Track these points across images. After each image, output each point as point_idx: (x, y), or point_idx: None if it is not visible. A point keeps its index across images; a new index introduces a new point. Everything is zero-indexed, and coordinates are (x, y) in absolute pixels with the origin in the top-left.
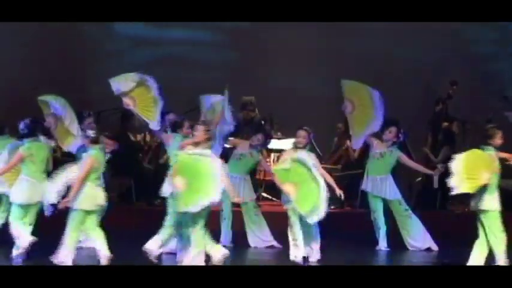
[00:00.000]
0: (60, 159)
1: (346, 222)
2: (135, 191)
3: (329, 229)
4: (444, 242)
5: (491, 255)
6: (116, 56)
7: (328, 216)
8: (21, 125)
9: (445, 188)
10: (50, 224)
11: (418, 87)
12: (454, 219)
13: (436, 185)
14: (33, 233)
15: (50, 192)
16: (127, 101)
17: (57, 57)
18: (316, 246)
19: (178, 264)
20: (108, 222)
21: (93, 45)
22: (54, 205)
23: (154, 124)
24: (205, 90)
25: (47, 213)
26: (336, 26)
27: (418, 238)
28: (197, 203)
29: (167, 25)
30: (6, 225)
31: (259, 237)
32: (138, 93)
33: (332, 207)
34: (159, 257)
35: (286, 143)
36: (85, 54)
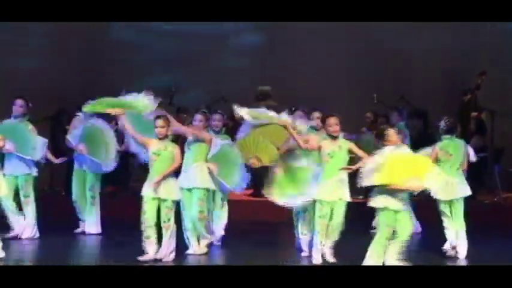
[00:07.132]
0: None
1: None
2: None
3: (354, 220)
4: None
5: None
6: (141, 49)
7: (354, 207)
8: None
9: (473, 178)
10: None
11: (447, 78)
12: (483, 209)
13: None
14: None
15: None
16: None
17: (83, 54)
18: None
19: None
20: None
21: (119, 40)
22: None
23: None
24: (232, 81)
25: None
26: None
27: None
28: None
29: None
30: None
31: None
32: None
33: (360, 197)
34: None
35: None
36: (113, 51)
